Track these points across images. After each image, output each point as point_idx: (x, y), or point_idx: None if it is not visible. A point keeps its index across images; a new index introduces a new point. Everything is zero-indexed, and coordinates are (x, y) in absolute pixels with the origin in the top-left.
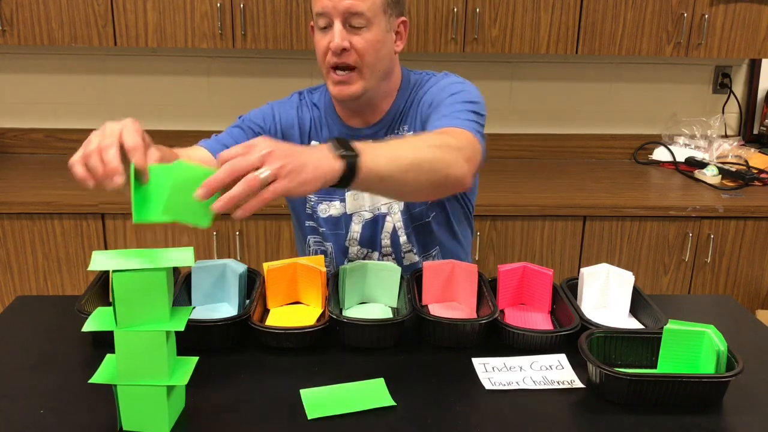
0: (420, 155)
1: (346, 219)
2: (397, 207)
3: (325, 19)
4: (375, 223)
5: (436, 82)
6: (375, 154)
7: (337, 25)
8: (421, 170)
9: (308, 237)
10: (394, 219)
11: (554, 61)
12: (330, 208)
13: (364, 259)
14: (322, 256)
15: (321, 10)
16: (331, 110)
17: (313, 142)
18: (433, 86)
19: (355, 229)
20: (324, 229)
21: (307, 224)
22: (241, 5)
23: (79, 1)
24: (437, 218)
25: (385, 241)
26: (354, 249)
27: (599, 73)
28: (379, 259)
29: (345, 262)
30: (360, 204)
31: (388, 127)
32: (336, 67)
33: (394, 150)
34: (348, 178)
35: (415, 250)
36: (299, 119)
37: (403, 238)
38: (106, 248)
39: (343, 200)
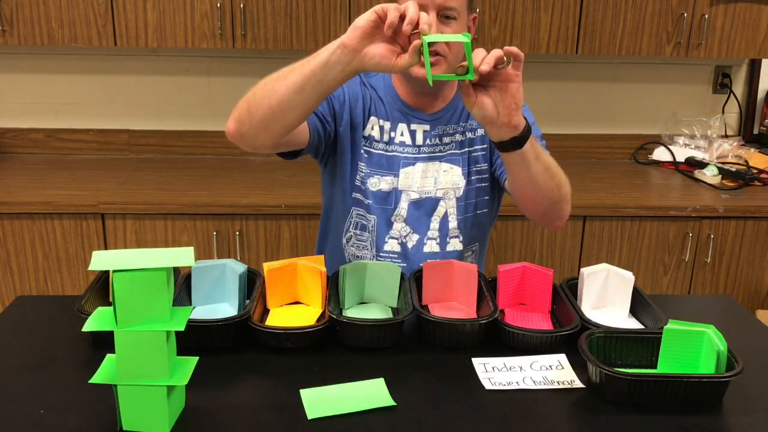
0: (557, 169)
1: (396, 194)
2: (453, 194)
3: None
4: (422, 206)
5: None
6: (535, 141)
7: (433, 15)
8: (553, 177)
9: (352, 209)
10: (448, 204)
11: (554, 61)
12: (381, 183)
13: (405, 238)
14: (323, 255)
15: (419, 1)
16: (391, 90)
17: (371, 118)
18: None
19: (403, 206)
20: (371, 201)
21: (353, 195)
22: (241, 5)
23: (79, 1)
24: (486, 215)
25: (434, 224)
26: (398, 225)
27: (599, 73)
28: (421, 242)
29: (386, 239)
30: (410, 183)
31: (450, 116)
32: None
33: (543, 150)
34: (524, 137)
35: (460, 238)
36: (362, 95)
37: (453, 224)
38: (106, 248)
39: (396, 176)
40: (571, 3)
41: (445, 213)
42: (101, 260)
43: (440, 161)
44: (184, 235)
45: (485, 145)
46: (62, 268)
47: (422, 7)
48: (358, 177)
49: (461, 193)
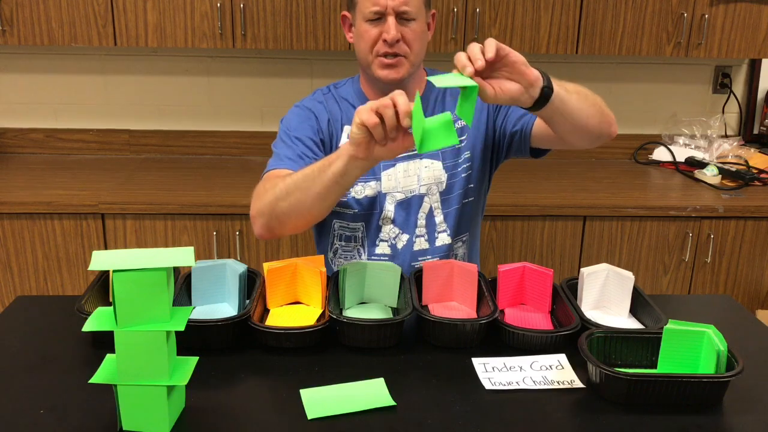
0: (585, 91)
1: (381, 198)
2: (436, 188)
3: (377, 13)
4: (409, 204)
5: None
6: (555, 79)
7: (392, 20)
8: (587, 100)
9: (333, 222)
10: (432, 200)
11: (554, 61)
12: (366, 189)
13: (394, 239)
14: (323, 255)
15: (376, 6)
16: (362, 96)
17: (345, 127)
18: None
19: (389, 208)
20: (356, 210)
21: (334, 209)
22: (241, 5)
23: (79, 1)
24: (472, 205)
25: (421, 221)
26: (387, 228)
27: (599, 73)
28: (411, 240)
29: (377, 243)
30: (393, 185)
31: (423, 110)
32: (385, 55)
33: (564, 82)
34: (548, 90)
35: (448, 232)
36: (329, 112)
37: (438, 218)
38: (106, 248)
39: (378, 179)
40: (571, 3)
41: (430, 208)
42: (101, 260)
43: (420, 158)
44: (184, 235)
45: (465, 136)
46: (62, 268)
47: (381, 14)
48: None
49: (444, 187)
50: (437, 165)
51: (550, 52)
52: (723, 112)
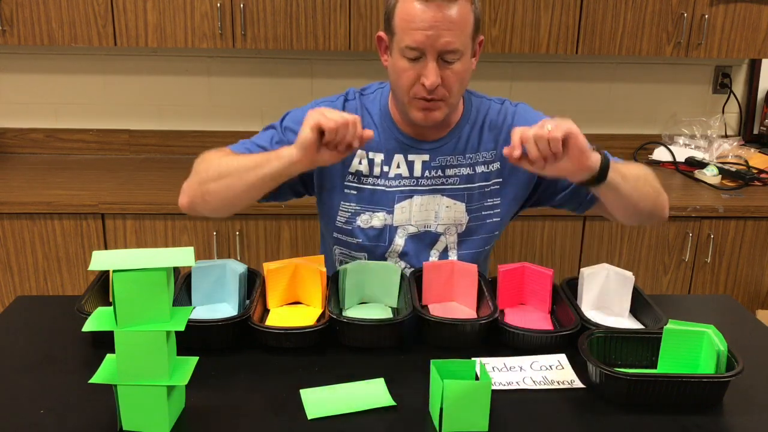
0: (643, 175)
1: (390, 231)
2: (455, 229)
3: (417, 52)
4: (421, 240)
5: (519, 113)
6: (614, 164)
7: (432, 63)
8: (644, 189)
9: (334, 247)
10: (449, 240)
11: (554, 61)
12: (372, 219)
13: (403, 271)
14: (323, 255)
15: (415, 45)
16: (387, 117)
17: (359, 152)
18: (521, 119)
19: (399, 242)
20: (360, 240)
21: (335, 235)
22: (241, 5)
23: (79, 1)
24: (492, 247)
25: (433, 258)
26: (392, 261)
27: (599, 73)
28: None
29: None
30: (407, 218)
31: (454, 144)
32: (422, 98)
33: (622, 166)
34: (605, 169)
35: None
36: None
37: (453, 257)
38: (106, 248)
39: (390, 212)
40: (571, 3)
41: (446, 247)
42: (101, 260)
43: (442, 195)
44: (184, 235)
45: (501, 179)
46: (62, 268)
47: (420, 51)
48: (340, 218)
49: (464, 229)
50: (459, 207)
51: (550, 52)
52: (723, 112)
